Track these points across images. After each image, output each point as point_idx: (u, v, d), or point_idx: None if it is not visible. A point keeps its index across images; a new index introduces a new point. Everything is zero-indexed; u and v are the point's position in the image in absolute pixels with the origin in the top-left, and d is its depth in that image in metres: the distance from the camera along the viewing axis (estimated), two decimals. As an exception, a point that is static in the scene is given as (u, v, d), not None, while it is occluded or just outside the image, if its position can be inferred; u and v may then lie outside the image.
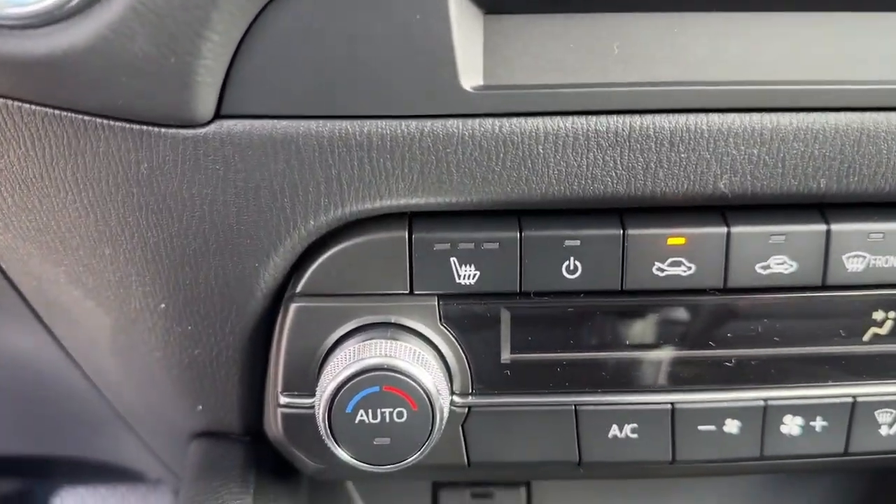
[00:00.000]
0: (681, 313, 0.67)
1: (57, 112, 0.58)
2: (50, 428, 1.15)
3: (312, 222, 0.63)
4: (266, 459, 0.81)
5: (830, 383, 0.70)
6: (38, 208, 0.65)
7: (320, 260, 0.65)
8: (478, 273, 0.65)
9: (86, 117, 0.58)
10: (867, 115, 0.61)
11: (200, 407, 0.78)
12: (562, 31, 0.60)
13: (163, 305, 0.69)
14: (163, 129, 0.58)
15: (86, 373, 0.88)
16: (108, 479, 1.38)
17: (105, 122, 0.58)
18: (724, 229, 0.64)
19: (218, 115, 0.58)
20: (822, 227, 0.65)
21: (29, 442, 1.21)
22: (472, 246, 0.64)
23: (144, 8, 0.53)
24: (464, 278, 0.65)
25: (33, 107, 0.58)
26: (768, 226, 0.65)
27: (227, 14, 0.54)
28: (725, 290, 0.66)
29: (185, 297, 0.68)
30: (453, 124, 0.59)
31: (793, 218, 0.65)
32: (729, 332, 0.68)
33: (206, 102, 0.57)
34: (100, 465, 1.25)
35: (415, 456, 0.65)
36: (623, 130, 0.60)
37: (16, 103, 0.59)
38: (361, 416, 0.63)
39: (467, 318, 0.67)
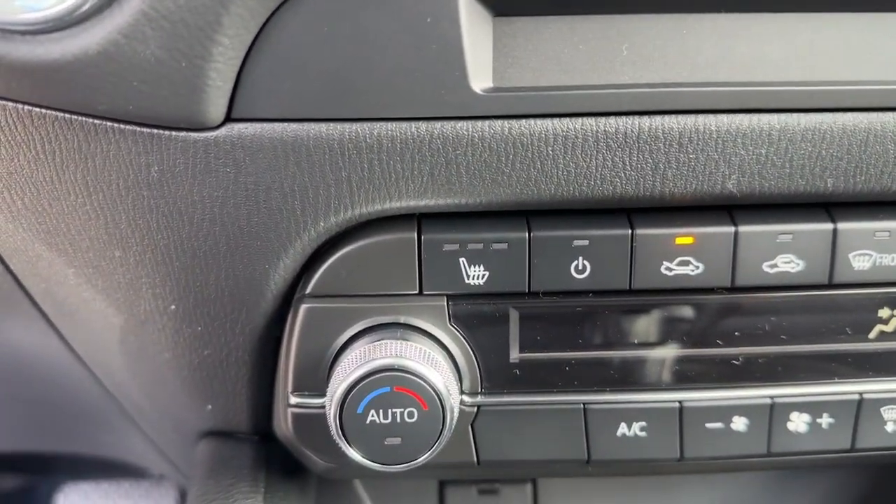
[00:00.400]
0: (688, 312, 0.68)
1: (68, 116, 0.58)
2: (54, 425, 1.15)
3: (322, 224, 0.63)
4: (275, 458, 0.82)
5: (837, 380, 0.70)
6: (48, 211, 0.65)
7: (330, 261, 0.65)
8: (487, 273, 0.65)
9: (96, 121, 0.58)
10: (874, 115, 0.61)
11: (210, 407, 0.78)
12: (570, 33, 0.60)
13: (173, 307, 0.69)
14: (173, 133, 0.59)
15: (93, 372, 0.88)
16: (112, 474, 1.39)
17: (116, 125, 0.58)
18: (731, 228, 0.65)
19: (228, 119, 0.58)
20: (829, 226, 0.65)
21: (33, 439, 1.21)
22: (480, 246, 0.64)
23: (155, 13, 0.53)
24: (473, 278, 0.65)
25: (44, 111, 0.58)
26: (775, 225, 0.65)
27: (238, 18, 0.54)
28: (733, 289, 0.67)
29: (195, 299, 0.68)
30: (463, 126, 0.59)
31: (800, 217, 0.66)
32: (736, 330, 0.68)
33: (216, 106, 0.57)
34: (104, 462, 1.25)
35: (425, 455, 0.65)
36: (632, 131, 0.60)
37: (27, 107, 0.59)
38: (372, 416, 0.63)
39: (476, 317, 0.67)
